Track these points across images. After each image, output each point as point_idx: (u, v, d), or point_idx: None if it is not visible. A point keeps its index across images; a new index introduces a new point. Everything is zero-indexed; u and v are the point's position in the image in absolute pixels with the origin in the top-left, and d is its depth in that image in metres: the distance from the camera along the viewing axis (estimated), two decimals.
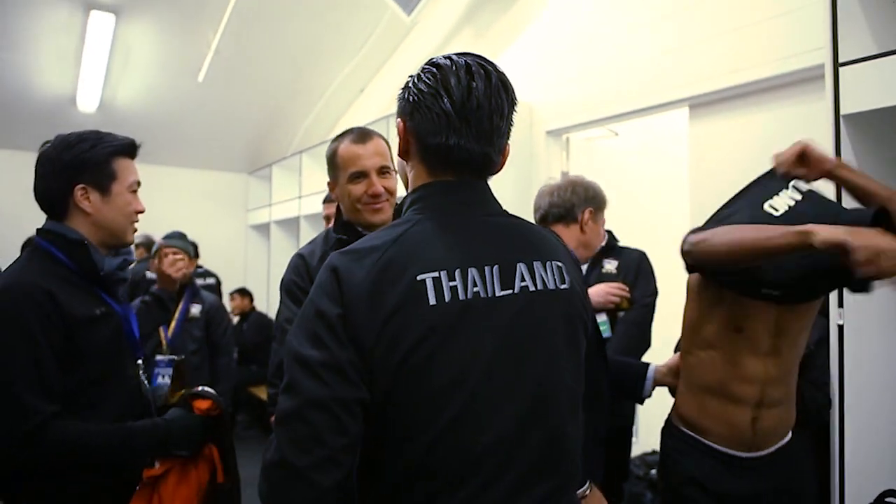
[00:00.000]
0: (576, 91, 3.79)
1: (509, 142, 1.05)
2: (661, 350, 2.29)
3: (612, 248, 2.56)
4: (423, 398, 0.91)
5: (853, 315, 1.83)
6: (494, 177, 1.07)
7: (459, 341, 0.91)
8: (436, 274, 0.92)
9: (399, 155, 1.06)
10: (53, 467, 1.31)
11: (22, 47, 4.97)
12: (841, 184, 1.63)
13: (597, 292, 2.30)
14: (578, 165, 4.07)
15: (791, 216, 1.50)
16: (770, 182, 1.69)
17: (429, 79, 0.98)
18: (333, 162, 1.66)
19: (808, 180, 1.60)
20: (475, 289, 0.93)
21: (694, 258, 1.51)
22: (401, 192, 1.36)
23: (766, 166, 2.90)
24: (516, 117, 1.04)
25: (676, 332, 1.94)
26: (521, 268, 0.98)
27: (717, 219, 1.64)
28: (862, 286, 1.44)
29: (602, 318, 2.33)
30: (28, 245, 1.56)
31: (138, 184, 1.55)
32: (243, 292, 5.87)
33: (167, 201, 6.62)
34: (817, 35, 2.65)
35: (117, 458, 1.39)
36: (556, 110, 3.90)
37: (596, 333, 1.62)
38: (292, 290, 1.65)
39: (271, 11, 4.96)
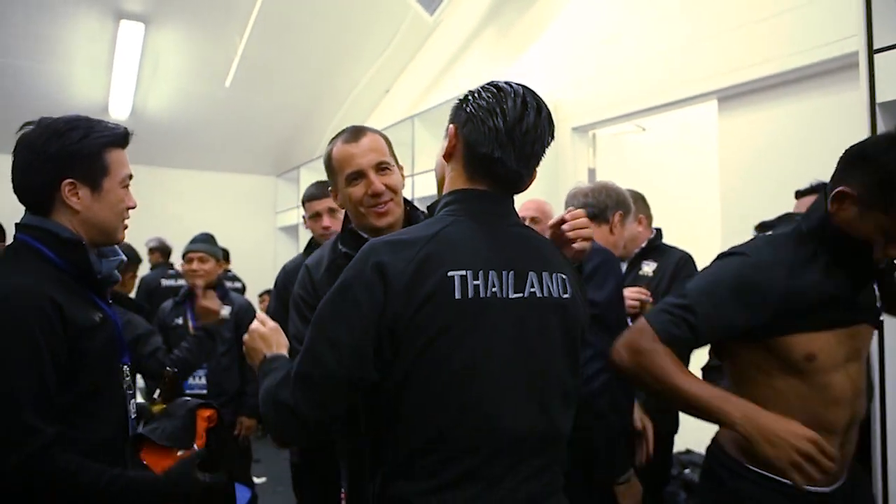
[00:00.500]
0: (601, 86, 3.74)
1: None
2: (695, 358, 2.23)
3: (654, 248, 2.53)
4: (442, 380, 1.05)
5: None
6: None
7: (476, 332, 1.06)
8: (463, 272, 1.06)
9: (443, 156, 1.20)
10: (42, 498, 1.18)
11: (55, 57, 5.10)
12: None
13: (625, 296, 2.27)
14: (605, 162, 4.03)
15: None
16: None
17: (488, 97, 1.12)
18: (329, 167, 1.52)
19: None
20: (493, 289, 1.08)
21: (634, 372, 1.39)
22: (427, 191, 1.39)
23: (799, 159, 2.85)
24: None
25: None
26: (532, 276, 1.12)
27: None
28: None
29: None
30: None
31: (130, 177, 1.38)
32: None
33: (196, 205, 6.77)
34: (849, 23, 2.58)
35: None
36: (581, 106, 3.85)
37: None
38: (299, 304, 1.59)
39: (296, 16, 5.01)
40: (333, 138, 1.54)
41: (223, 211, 6.86)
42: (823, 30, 2.68)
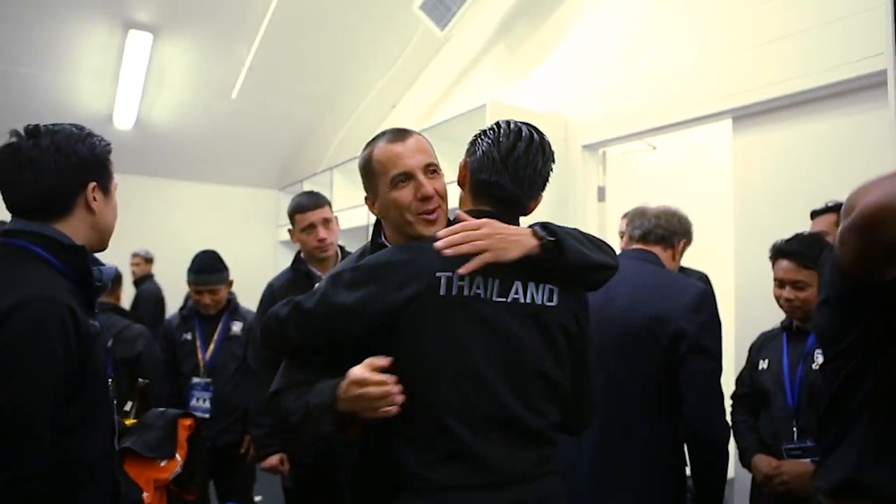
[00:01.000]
0: (612, 104, 3.71)
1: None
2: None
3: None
4: (424, 365, 1.24)
5: None
6: None
7: (458, 325, 1.24)
8: (449, 274, 1.24)
9: (458, 182, 1.39)
10: None
11: (62, 66, 5.07)
12: None
13: None
14: (615, 180, 3.98)
15: None
16: None
17: (490, 133, 1.35)
18: (369, 170, 1.37)
19: None
20: (477, 290, 1.25)
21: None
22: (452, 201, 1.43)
23: (816, 180, 2.81)
24: (551, 132, 1.40)
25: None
26: (517, 284, 1.27)
27: None
28: None
29: None
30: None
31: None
32: None
33: (198, 217, 6.72)
34: (870, 42, 2.56)
35: None
36: (592, 124, 3.82)
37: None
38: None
39: (305, 28, 4.99)
40: (371, 141, 1.41)
41: (225, 224, 6.80)
42: (842, 49, 2.65)
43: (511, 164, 1.29)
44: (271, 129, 6.22)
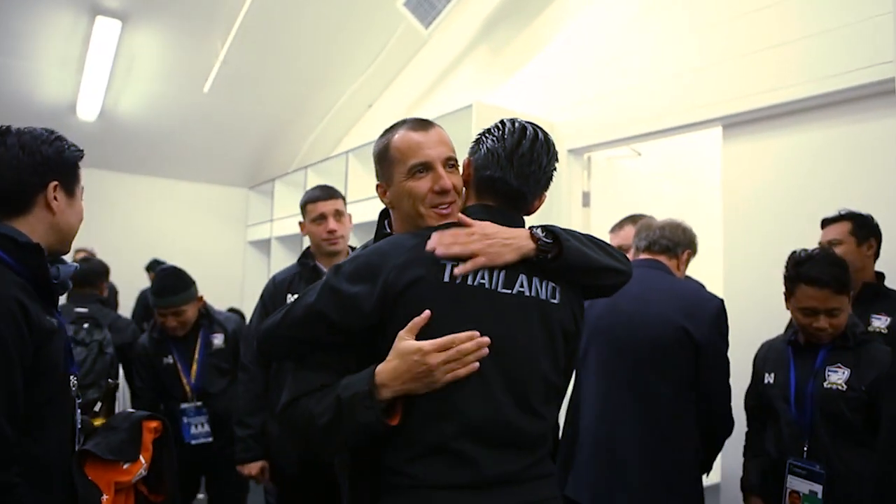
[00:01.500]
0: (599, 109, 3.66)
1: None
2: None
3: None
4: None
5: None
6: None
7: (460, 313, 1.20)
8: (455, 261, 1.21)
9: (462, 183, 1.36)
10: None
11: (23, 52, 4.81)
12: None
13: None
14: (600, 186, 3.94)
15: None
16: None
17: (494, 129, 1.34)
18: (386, 157, 1.34)
19: None
20: (481, 280, 1.22)
21: None
22: None
23: (808, 189, 2.80)
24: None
25: None
26: (523, 278, 1.26)
27: None
28: None
29: None
30: None
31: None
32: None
33: (164, 215, 6.49)
34: (865, 52, 2.55)
35: None
36: (578, 128, 3.77)
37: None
38: None
39: (282, 22, 4.84)
40: (391, 128, 1.37)
41: (191, 222, 6.58)
42: (836, 59, 2.65)
43: (516, 161, 1.29)
44: (243, 125, 6.02)
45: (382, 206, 1.43)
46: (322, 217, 2.28)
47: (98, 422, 1.53)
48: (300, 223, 2.39)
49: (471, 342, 1.17)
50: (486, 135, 1.34)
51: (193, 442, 2.62)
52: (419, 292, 1.20)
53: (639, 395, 2.05)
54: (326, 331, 1.21)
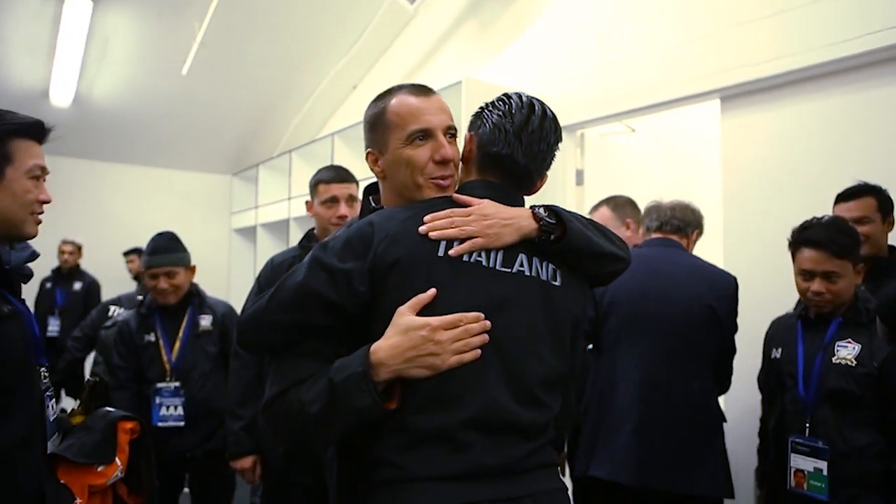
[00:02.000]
0: (593, 83, 3.55)
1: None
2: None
3: None
4: None
5: None
6: None
7: (455, 289, 1.12)
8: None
9: (462, 160, 1.29)
10: None
11: None
12: None
13: None
14: (593, 163, 3.84)
15: None
16: None
17: (500, 104, 1.26)
18: (382, 121, 1.25)
19: None
20: (478, 258, 1.15)
21: None
22: None
23: (809, 162, 2.71)
24: None
25: None
26: (522, 257, 1.19)
27: None
28: None
29: None
30: None
31: (43, 170, 1.35)
32: None
33: (144, 204, 6.30)
34: (866, 19, 2.46)
35: None
36: (570, 104, 3.64)
37: None
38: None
39: (262, 1, 4.67)
40: (386, 93, 1.29)
41: (173, 211, 6.40)
42: (840, 24, 2.56)
43: (525, 138, 1.22)
44: (224, 109, 5.85)
45: (369, 187, 1.38)
46: (334, 200, 2.15)
47: (77, 419, 1.48)
48: (307, 202, 2.26)
49: (478, 324, 1.10)
50: (491, 109, 1.26)
51: (160, 424, 2.46)
52: (412, 266, 1.12)
53: (676, 373, 2.14)
54: (320, 312, 1.12)
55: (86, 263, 5.45)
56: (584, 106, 3.58)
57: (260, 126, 6.20)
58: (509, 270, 1.17)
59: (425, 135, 1.22)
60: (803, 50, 2.66)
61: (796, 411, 1.88)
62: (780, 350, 1.98)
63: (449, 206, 1.19)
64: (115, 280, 5.25)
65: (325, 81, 5.49)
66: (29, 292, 1.87)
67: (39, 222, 1.35)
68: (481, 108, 1.29)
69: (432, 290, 1.10)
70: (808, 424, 1.84)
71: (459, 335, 1.08)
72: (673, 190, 3.93)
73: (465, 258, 1.14)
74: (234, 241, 6.68)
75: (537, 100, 1.27)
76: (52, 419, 1.36)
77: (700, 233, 2.42)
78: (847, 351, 1.80)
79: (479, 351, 1.09)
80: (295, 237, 5.31)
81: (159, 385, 2.52)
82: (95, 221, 6.02)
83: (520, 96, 1.26)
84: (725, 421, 2.24)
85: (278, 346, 1.16)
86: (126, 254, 5.26)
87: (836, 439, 1.78)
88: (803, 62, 2.66)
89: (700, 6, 3.07)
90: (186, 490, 2.72)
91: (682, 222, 2.33)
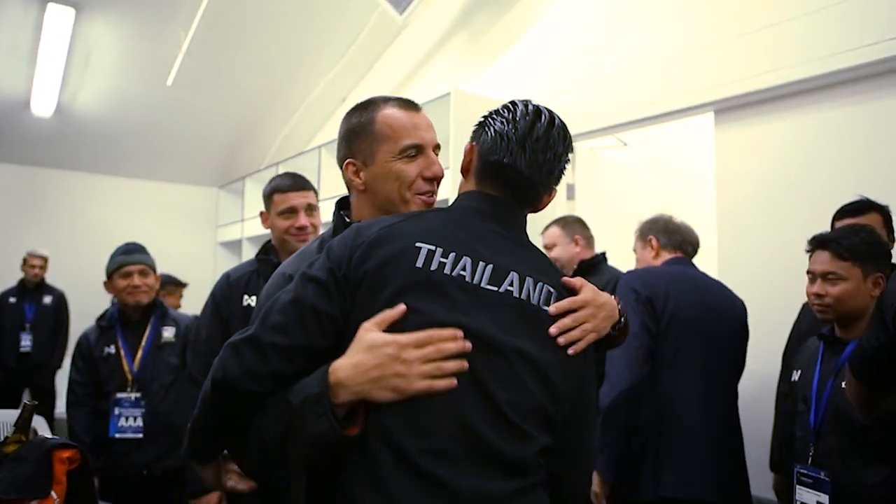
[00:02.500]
0: (584, 96, 3.49)
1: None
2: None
3: (589, 267, 2.64)
4: None
5: None
6: None
7: (432, 307, 1.00)
8: (432, 247, 1.03)
9: (461, 171, 1.20)
10: None
11: None
12: None
13: None
14: (584, 177, 3.78)
15: None
16: None
17: (504, 111, 1.15)
18: (369, 132, 1.21)
19: None
20: (462, 272, 1.03)
21: None
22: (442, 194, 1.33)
23: (810, 180, 2.65)
24: None
25: None
26: (513, 275, 1.06)
27: None
28: None
29: None
30: None
31: None
32: None
33: (127, 217, 6.15)
34: (860, 32, 2.42)
35: None
36: (562, 117, 3.57)
37: None
38: None
39: (249, 9, 4.61)
40: (369, 103, 1.26)
41: (157, 223, 6.25)
42: (831, 39, 2.52)
43: (529, 146, 1.11)
44: (210, 120, 5.76)
45: (337, 203, 1.33)
46: (292, 211, 2.00)
47: (11, 448, 1.37)
48: (262, 213, 2.12)
49: (454, 343, 0.97)
50: (494, 117, 1.16)
51: (118, 436, 2.42)
52: (386, 275, 1.01)
53: (730, 389, 2.23)
54: (317, 331, 1.00)
55: (63, 276, 5.32)
56: (575, 119, 3.51)
57: (247, 138, 6.11)
58: (496, 289, 1.04)
59: (418, 150, 1.22)
60: (798, 63, 2.62)
61: (805, 438, 1.77)
62: (799, 373, 1.87)
63: (433, 217, 1.10)
64: (94, 293, 5.10)
65: (313, 93, 5.42)
66: None
67: None
68: (485, 116, 1.19)
69: (401, 307, 0.98)
70: (811, 453, 1.73)
71: (430, 355, 0.96)
72: (664, 205, 3.88)
73: (448, 271, 1.02)
74: (220, 255, 6.56)
75: (546, 108, 1.17)
76: None
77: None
78: None
79: (453, 380, 0.97)
80: None
81: (119, 395, 2.47)
82: (78, 233, 5.89)
83: (526, 104, 1.16)
84: None
85: (269, 381, 1.00)
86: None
87: (843, 473, 1.65)
88: (798, 75, 2.62)
89: (693, 19, 3.03)
90: None
91: (692, 246, 2.39)
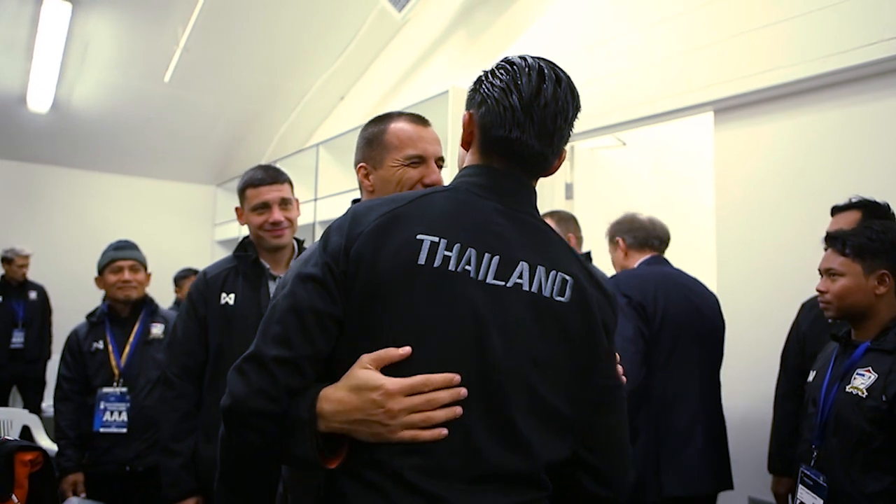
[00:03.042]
0: (583, 95, 3.38)
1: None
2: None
3: None
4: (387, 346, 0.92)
5: None
6: None
7: (433, 309, 0.92)
8: (435, 238, 0.94)
9: (462, 144, 1.10)
10: None
11: None
12: None
13: None
14: (582, 177, 3.76)
15: None
16: None
17: (501, 74, 1.01)
18: (380, 141, 1.39)
19: None
20: (467, 267, 0.95)
21: None
22: None
23: (804, 176, 2.64)
24: None
25: None
26: (523, 266, 0.98)
27: None
28: None
29: None
30: None
31: None
32: None
33: (124, 215, 6.14)
34: (864, 31, 2.40)
35: None
36: None
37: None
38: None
39: (247, 6, 4.57)
40: (385, 117, 1.43)
41: (155, 222, 6.26)
42: (831, 38, 2.49)
43: (537, 114, 0.99)
44: (208, 117, 5.73)
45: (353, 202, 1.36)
46: (265, 206, 1.94)
47: None
48: (237, 209, 2.06)
49: (447, 393, 0.89)
50: (490, 79, 1.03)
51: (102, 430, 2.43)
52: (387, 278, 0.92)
53: (716, 382, 2.30)
54: (323, 336, 0.93)
55: (59, 273, 5.32)
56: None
57: (244, 135, 6.09)
58: (503, 284, 0.96)
59: (420, 160, 1.37)
60: (798, 62, 2.60)
61: (811, 440, 1.74)
62: (814, 374, 1.84)
63: (436, 200, 1.00)
64: (91, 290, 5.08)
65: (312, 90, 5.39)
66: None
67: None
68: (480, 77, 1.06)
69: (407, 349, 0.90)
70: (814, 456, 1.71)
71: (419, 406, 0.89)
72: (663, 205, 3.88)
73: (452, 266, 0.94)
74: (217, 253, 6.52)
75: (547, 63, 1.04)
76: None
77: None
78: (862, 380, 1.63)
79: (444, 430, 0.89)
80: None
81: (105, 390, 2.47)
82: (74, 231, 5.86)
83: (525, 60, 1.03)
84: None
85: (281, 402, 0.91)
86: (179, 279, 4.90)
87: (842, 479, 1.61)
88: (797, 74, 2.59)
89: (693, 18, 3.00)
90: None
91: (665, 241, 2.44)
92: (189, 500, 1.91)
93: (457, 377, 0.91)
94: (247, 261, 1.99)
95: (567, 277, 1.00)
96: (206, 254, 6.55)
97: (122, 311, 2.60)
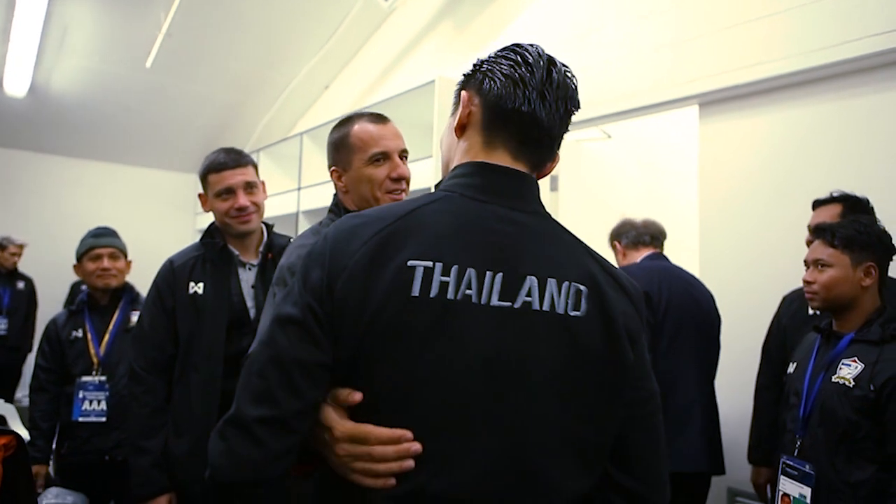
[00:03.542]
0: None
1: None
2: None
3: None
4: (367, 413, 0.84)
5: None
6: None
7: (433, 347, 0.82)
8: (429, 264, 0.83)
9: (455, 129, 0.97)
10: None
11: None
12: None
13: None
14: (567, 169, 3.76)
15: None
16: None
17: (509, 53, 0.95)
18: (346, 144, 1.50)
19: None
20: (468, 292, 0.84)
21: None
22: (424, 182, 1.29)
23: (788, 170, 2.66)
24: None
25: None
26: (531, 281, 0.86)
27: None
28: None
29: None
30: None
31: None
32: None
33: (103, 202, 6.05)
34: (848, 26, 2.42)
35: None
36: None
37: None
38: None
39: None
40: (347, 120, 1.54)
41: (134, 210, 6.17)
42: (816, 34, 2.51)
43: (550, 94, 0.91)
44: (190, 104, 5.65)
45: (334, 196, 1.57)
46: (229, 191, 1.85)
47: None
48: (200, 195, 1.96)
49: (392, 449, 0.81)
50: (497, 59, 0.94)
51: (81, 419, 2.39)
52: (376, 317, 0.82)
53: (713, 370, 2.45)
54: (312, 386, 0.84)
55: (37, 261, 5.22)
56: None
57: (227, 123, 6.01)
58: (510, 305, 0.85)
59: (384, 156, 1.48)
60: (783, 56, 2.61)
61: (794, 430, 1.76)
62: (794, 365, 1.86)
63: (427, 213, 0.89)
64: (67, 278, 5.01)
65: (296, 79, 5.34)
66: None
67: None
68: (481, 60, 0.97)
69: (358, 395, 0.83)
70: (798, 445, 1.72)
71: (360, 457, 0.82)
72: (648, 198, 3.90)
73: (450, 294, 0.83)
74: None
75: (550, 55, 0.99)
76: None
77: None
78: (849, 370, 1.64)
79: (391, 481, 0.81)
80: None
81: (84, 378, 2.43)
82: (51, 218, 5.76)
83: (535, 47, 0.96)
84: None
85: (267, 470, 0.82)
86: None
87: (827, 469, 1.63)
88: (783, 69, 2.61)
89: (679, 11, 3.01)
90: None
91: (661, 237, 2.59)
92: (161, 498, 1.84)
93: (407, 433, 0.81)
94: (214, 248, 1.91)
95: (581, 288, 0.89)
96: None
97: (101, 299, 2.56)
